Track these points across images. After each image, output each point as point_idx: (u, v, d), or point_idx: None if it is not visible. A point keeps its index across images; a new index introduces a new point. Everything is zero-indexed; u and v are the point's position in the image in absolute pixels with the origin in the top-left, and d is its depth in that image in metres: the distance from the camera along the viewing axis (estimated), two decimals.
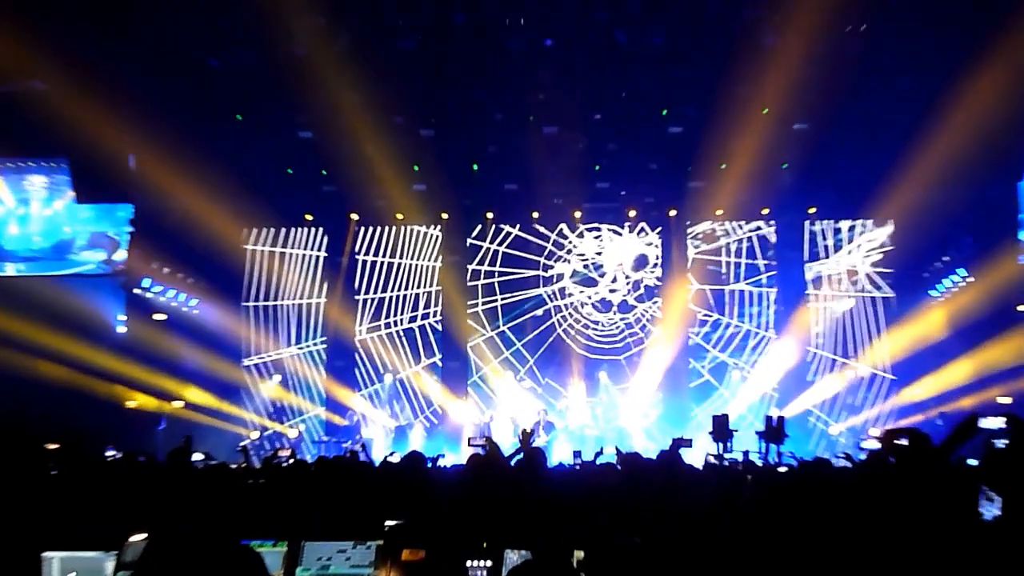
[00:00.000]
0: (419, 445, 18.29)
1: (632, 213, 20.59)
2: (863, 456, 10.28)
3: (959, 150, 15.17)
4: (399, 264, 20.95)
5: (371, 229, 20.96)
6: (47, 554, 4.78)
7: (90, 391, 16.84)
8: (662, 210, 20.46)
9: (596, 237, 21.01)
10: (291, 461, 10.68)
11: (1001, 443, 5.72)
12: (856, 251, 20.23)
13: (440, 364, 20.86)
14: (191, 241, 18.29)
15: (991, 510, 5.22)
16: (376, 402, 20.52)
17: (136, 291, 19.03)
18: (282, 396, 20.58)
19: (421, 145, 18.21)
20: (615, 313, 20.87)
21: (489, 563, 4.99)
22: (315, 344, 21.00)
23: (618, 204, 20.53)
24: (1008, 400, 16.44)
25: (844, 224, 20.29)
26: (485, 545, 5.06)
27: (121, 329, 19.10)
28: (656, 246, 20.79)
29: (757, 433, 11.71)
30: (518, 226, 20.83)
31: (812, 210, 20.04)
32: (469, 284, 20.89)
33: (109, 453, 11.55)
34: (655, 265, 20.81)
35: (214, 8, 15.40)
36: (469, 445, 12.74)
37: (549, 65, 16.32)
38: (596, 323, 20.89)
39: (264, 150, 18.06)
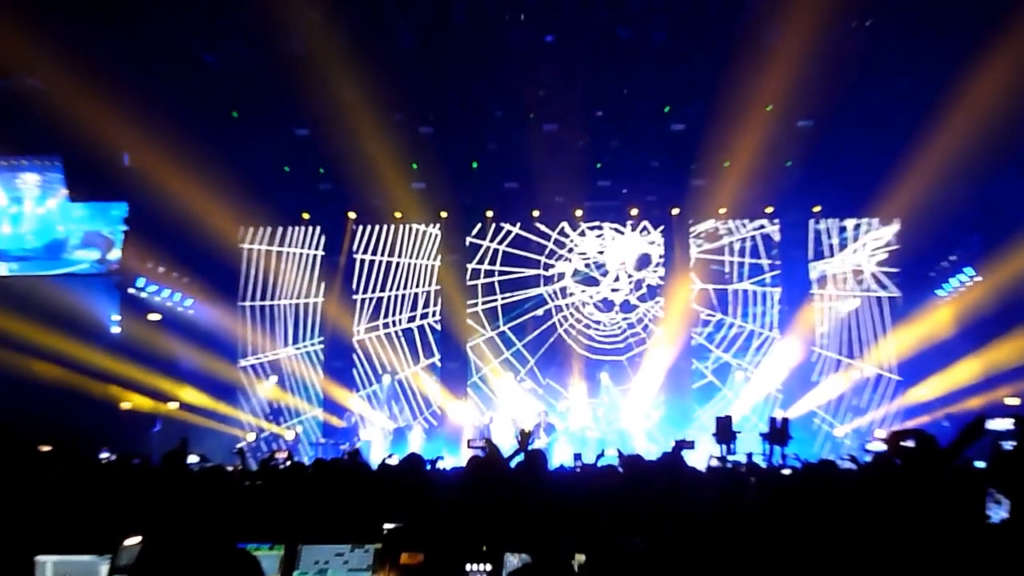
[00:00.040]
0: (418, 447, 18.28)
1: (634, 211, 20.58)
2: (868, 458, 10.29)
3: (966, 147, 15.17)
4: (397, 263, 20.95)
5: (369, 227, 20.96)
6: (40, 558, 4.77)
7: (84, 392, 16.87)
8: (664, 208, 20.46)
9: (598, 236, 21.00)
10: (288, 463, 10.67)
11: (1009, 445, 5.72)
12: (861, 250, 20.23)
13: (439, 365, 20.86)
14: (186, 240, 18.28)
15: (999, 513, 5.22)
16: (374, 403, 20.52)
17: (131, 291, 19.02)
18: (279, 397, 20.58)
19: (420, 142, 18.22)
20: (617, 313, 20.86)
21: (489, 567, 4.98)
22: (312, 344, 21.00)
23: (620, 202, 20.53)
24: (1016, 401, 16.45)
25: (849, 223, 20.29)
26: (485, 548, 5.06)
27: (115, 329, 19.10)
28: (658, 245, 20.79)
29: (761, 435, 11.72)
30: (518, 224, 20.82)
31: (817, 208, 20.04)
32: (469, 283, 20.89)
33: (103, 455, 11.56)
34: (657, 264, 20.80)
35: (210, 4, 15.42)
36: (469, 447, 12.75)
37: (550, 61, 16.32)
38: (598, 323, 20.88)
39: (260, 148, 18.05)
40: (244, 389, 20.37)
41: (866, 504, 4.91)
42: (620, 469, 8.63)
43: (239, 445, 15.06)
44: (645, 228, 20.83)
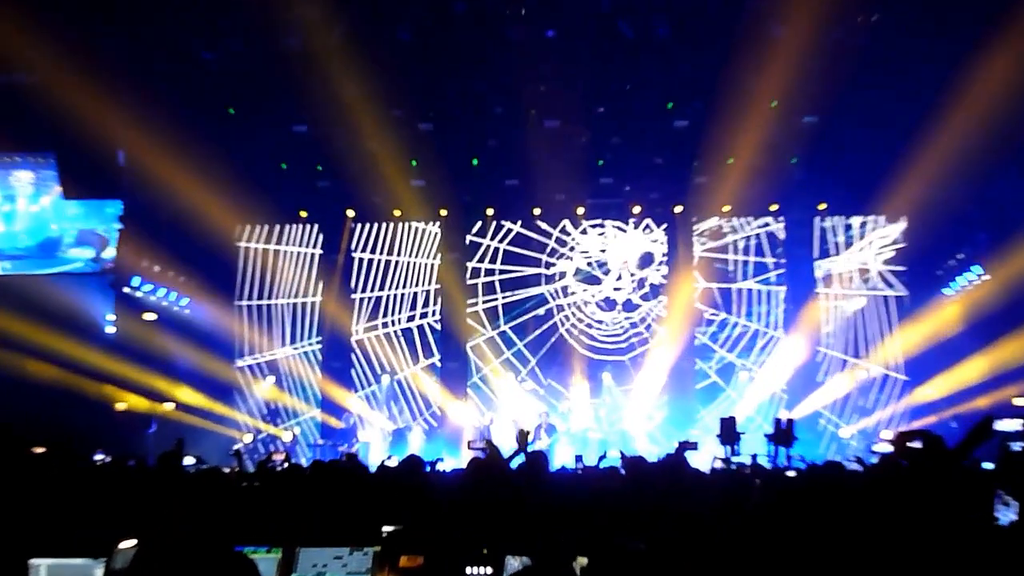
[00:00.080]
0: (418, 448, 18.28)
1: (637, 209, 20.58)
2: (875, 460, 10.29)
3: (973, 144, 15.16)
4: (397, 262, 20.95)
5: (368, 226, 20.96)
6: (34, 561, 4.77)
7: (78, 393, 16.86)
8: (667, 206, 20.46)
9: (600, 234, 21.00)
10: (286, 465, 10.67)
11: (1017, 446, 5.73)
12: (868, 248, 20.22)
13: (439, 365, 20.87)
14: (182, 238, 18.31)
15: (1007, 515, 5.21)
16: (373, 404, 20.52)
17: (126, 290, 19.02)
18: (276, 398, 20.59)
19: (419, 139, 18.20)
20: (619, 312, 20.85)
21: (489, 570, 4.99)
22: (310, 344, 21.00)
23: (622, 200, 20.53)
24: None
25: (855, 220, 20.28)
26: (485, 551, 5.06)
27: (110, 329, 19.10)
28: (661, 243, 20.78)
29: (766, 436, 11.70)
30: (519, 222, 20.82)
31: (822, 206, 20.04)
32: (469, 282, 20.89)
33: (98, 457, 11.56)
34: (660, 263, 20.80)
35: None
36: (469, 448, 12.77)
37: (551, 57, 16.31)
38: (600, 322, 20.88)
39: (258, 145, 18.06)
40: (241, 390, 20.38)
41: (872, 506, 4.91)
42: (622, 471, 8.64)
43: (236, 446, 15.04)
44: (648, 226, 20.83)
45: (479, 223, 20.82)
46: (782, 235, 20.44)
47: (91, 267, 19.29)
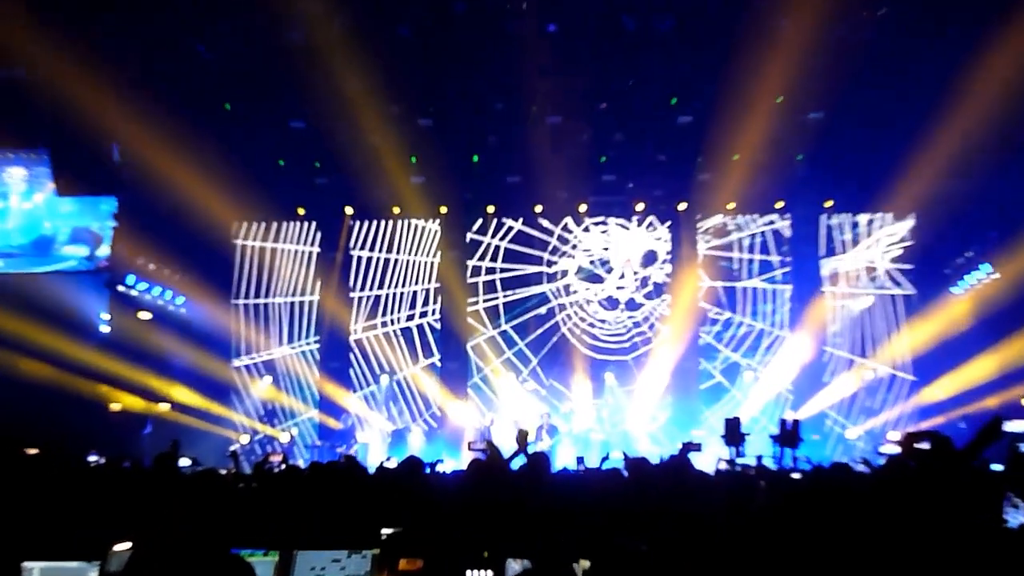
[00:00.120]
0: (417, 450, 18.29)
1: (640, 207, 20.58)
2: (882, 461, 10.28)
3: (982, 139, 15.14)
4: (396, 260, 20.95)
5: (367, 223, 20.97)
6: (27, 564, 4.77)
7: (72, 393, 16.86)
8: (671, 203, 20.47)
9: (602, 232, 21.00)
10: (283, 466, 10.68)
11: None
12: (875, 246, 20.22)
13: (439, 365, 20.87)
14: (178, 236, 18.31)
15: (1017, 517, 5.22)
16: (372, 404, 20.52)
17: (120, 288, 19.03)
18: (274, 398, 20.60)
19: (419, 135, 18.21)
20: (622, 311, 20.85)
21: (490, 573, 4.99)
22: (308, 343, 21.01)
23: (625, 197, 20.53)
24: None
25: (862, 218, 20.28)
26: (486, 554, 5.06)
27: (104, 328, 19.10)
28: (665, 241, 20.78)
29: (771, 437, 11.70)
30: (520, 220, 20.82)
31: (828, 203, 20.04)
32: (469, 281, 20.90)
33: (92, 458, 11.56)
34: (664, 261, 20.80)
35: None
36: (469, 449, 12.77)
37: (552, 52, 16.27)
38: (602, 322, 20.88)
39: (254, 141, 18.06)
40: (238, 390, 20.41)
41: (879, 508, 4.91)
42: (625, 473, 8.64)
43: (232, 447, 15.06)
44: (651, 224, 20.83)
45: (480, 220, 20.83)
46: (788, 233, 20.43)
47: (85, 265, 19.27)
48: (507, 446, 9.09)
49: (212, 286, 20.05)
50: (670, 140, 18.68)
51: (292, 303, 20.98)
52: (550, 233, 20.89)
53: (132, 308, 19.14)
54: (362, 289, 20.89)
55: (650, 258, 20.87)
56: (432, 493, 7.54)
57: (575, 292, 21.01)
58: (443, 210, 20.62)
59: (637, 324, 20.75)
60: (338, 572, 4.99)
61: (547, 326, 20.92)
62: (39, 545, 4.89)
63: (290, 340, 20.93)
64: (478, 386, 20.77)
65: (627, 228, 20.92)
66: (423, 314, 20.92)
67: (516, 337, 20.88)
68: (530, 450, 8.96)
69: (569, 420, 19.62)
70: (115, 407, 18.15)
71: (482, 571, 5.00)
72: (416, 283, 20.96)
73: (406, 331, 20.88)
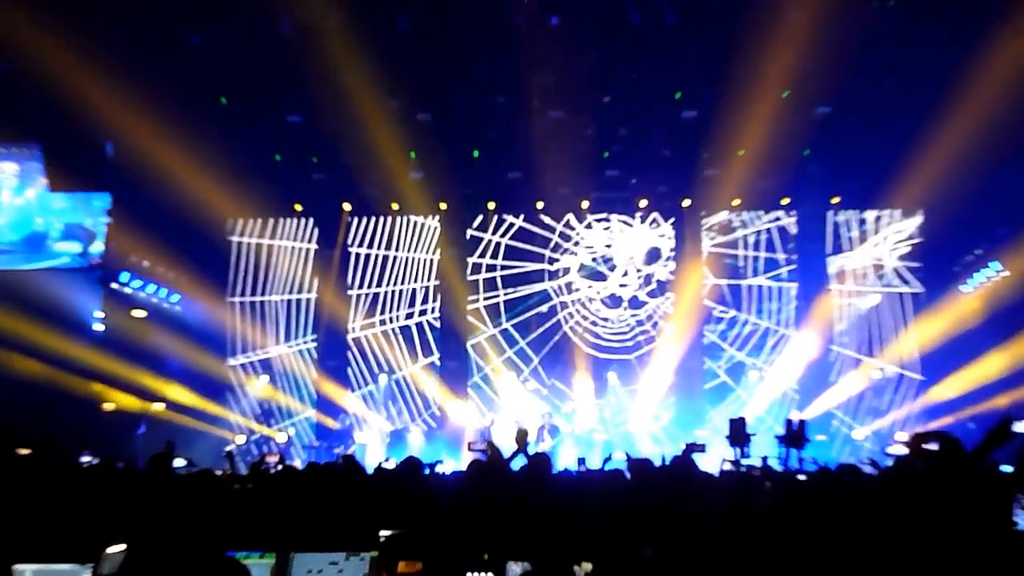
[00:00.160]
0: (417, 450, 18.29)
1: (643, 203, 20.58)
2: (889, 462, 10.28)
3: (992, 134, 15.12)
4: (395, 257, 20.95)
5: (365, 220, 20.97)
6: (18, 567, 4.77)
7: (65, 392, 16.87)
8: (675, 200, 20.46)
9: (605, 228, 20.99)
10: (279, 467, 10.69)
11: None
12: (882, 243, 20.21)
13: (439, 363, 20.88)
14: (173, 232, 18.32)
15: None
16: (371, 404, 20.53)
17: (114, 286, 19.03)
18: (270, 397, 20.61)
19: (418, 130, 18.17)
20: (625, 309, 20.85)
21: (491, 575, 4.99)
22: (305, 342, 21.02)
23: (628, 193, 20.53)
24: None
25: (870, 214, 20.27)
26: (486, 556, 5.06)
27: (98, 326, 19.10)
28: (669, 238, 20.78)
29: (776, 437, 11.70)
30: (522, 216, 20.82)
31: (835, 199, 20.04)
32: (469, 278, 20.90)
33: (85, 459, 11.57)
34: (668, 258, 20.80)
35: None
36: (469, 450, 12.78)
37: (555, 44, 16.25)
38: (605, 320, 20.88)
39: (251, 135, 18.04)
40: (234, 389, 20.41)
41: (887, 510, 4.91)
42: (628, 474, 8.64)
43: (228, 448, 15.09)
44: (655, 220, 20.82)
45: (480, 217, 20.83)
46: (794, 229, 20.43)
47: (78, 262, 19.27)
48: (508, 446, 9.09)
49: (207, 283, 20.05)
50: (674, 135, 18.67)
51: (289, 301, 20.99)
52: (552, 230, 20.88)
53: (126, 306, 19.15)
54: (360, 287, 20.89)
55: (653, 255, 20.87)
56: (431, 494, 7.54)
57: (577, 290, 21.01)
58: (443, 206, 20.62)
59: (640, 323, 20.75)
60: (336, 575, 4.99)
61: (549, 324, 20.92)
62: (31, 547, 4.89)
63: (287, 338, 20.94)
64: (478, 385, 20.78)
65: (630, 225, 20.92)
66: (422, 312, 20.92)
67: (517, 336, 20.88)
68: (531, 451, 8.97)
69: (571, 420, 19.61)
70: (108, 407, 18.16)
71: (482, 573, 5.00)
72: (415, 280, 20.96)
73: (405, 329, 20.88)
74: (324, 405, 20.52)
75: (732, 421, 12.09)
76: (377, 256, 20.91)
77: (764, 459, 11.38)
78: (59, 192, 19.26)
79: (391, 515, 6.02)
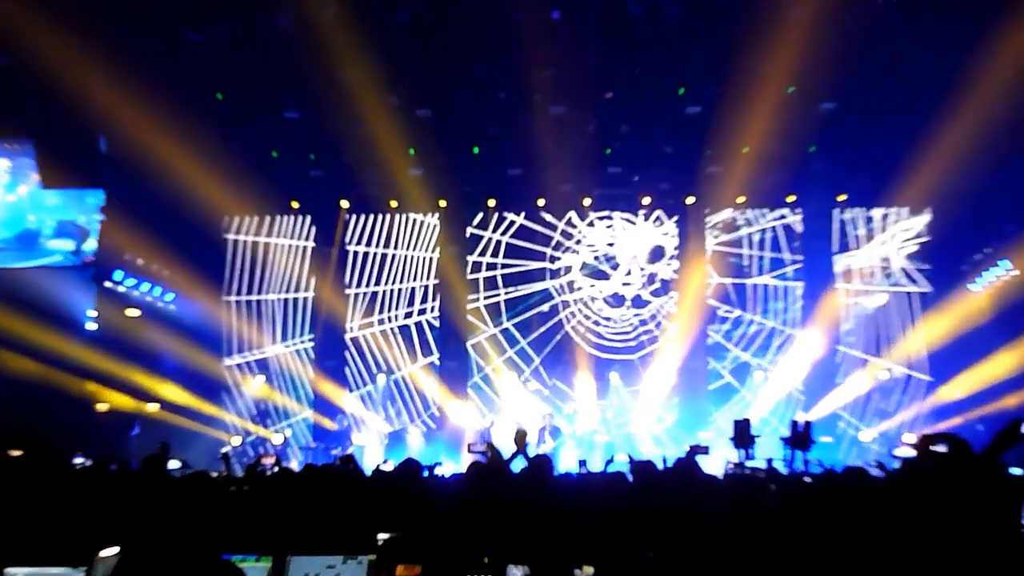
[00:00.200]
0: (416, 451, 18.31)
1: (646, 200, 20.58)
2: (897, 464, 10.28)
3: (1002, 131, 15.12)
4: (393, 255, 20.94)
5: (363, 217, 20.96)
6: (10, 571, 4.77)
7: (57, 392, 16.85)
8: (679, 197, 20.46)
9: (608, 226, 20.99)
10: (276, 469, 10.69)
11: None
12: (890, 242, 20.20)
13: (438, 363, 20.87)
14: (167, 230, 18.30)
15: None
16: (369, 405, 20.52)
17: (108, 284, 19.03)
18: (267, 398, 20.60)
19: (417, 126, 18.16)
20: (628, 309, 20.85)
21: None
22: (303, 341, 21.02)
23: (631, 191, 20.53)
24: None
25: (877, 212, 20.26)
26: (486, 560, 5.06)
27: (91, 325, 19.09)
28: (672, 236, 20.78)
29: (782, 439, 11.70)
30: (523, 214, 20.82)
31: (842, 197, 20.03)
32: (469, 277, 20.90)
33: (78, 460, 11.57)
34: (671, 257, 20.79)
35: None
36: (469, 452, 12.76)
37: (556, 39, 16.24)
38: (607, 320, 20.87)
39: (247, 132, 18.05)
40: (230, 389, 20.39)
41: (894, 513, 4.91)
42: (630, 476, 8.64)
43: (224, 449, 15.06)
44: (658, 218, 20.82)
45: (480, 215, 20.83)
46: (799, 228, 20.42)
47: (71, 260, 19.26)
48: (508, 448, 9.09)
49: (203, 282, 20.02)
50: (677, 131, 18.65)
51: (286, 300, 20.98)
52: (553, 228, 20.88)
53: (120, 304, 19.15)
54: (358, 285, 20.89)
55: (657, 254, 20.87)
56: (430, 497, 7.54)
57: (579, 289, 21.00)
58: (442, 203, 20.62)
59: (643, 322, 20.74)
60: None
61: (550, 324, 20.92)
62: (23, 551, 4.89)
63: (284, 338, 20.93)
64: (478, 386, 20.77)
65: (633, 223, 20.92)
66: (422, 311, 20.92)
67: (518, 335, 20.88)
68: (532, 452, 8.96)
69: (573, 421, 19.62)
70: (102, 407, 18.15)
71: None
72: (414, 279, 20.95)
73: (404, 329, 20.88)
74: (321, 406, 20.51)
75: (736, 422, 12.09)
76: (375, 254, 20.90)
77: (769, 461, 11.39)
78: (52, 189, 19.25)
79: (389, 518, 6.01)
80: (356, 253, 20.90)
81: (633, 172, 20.07)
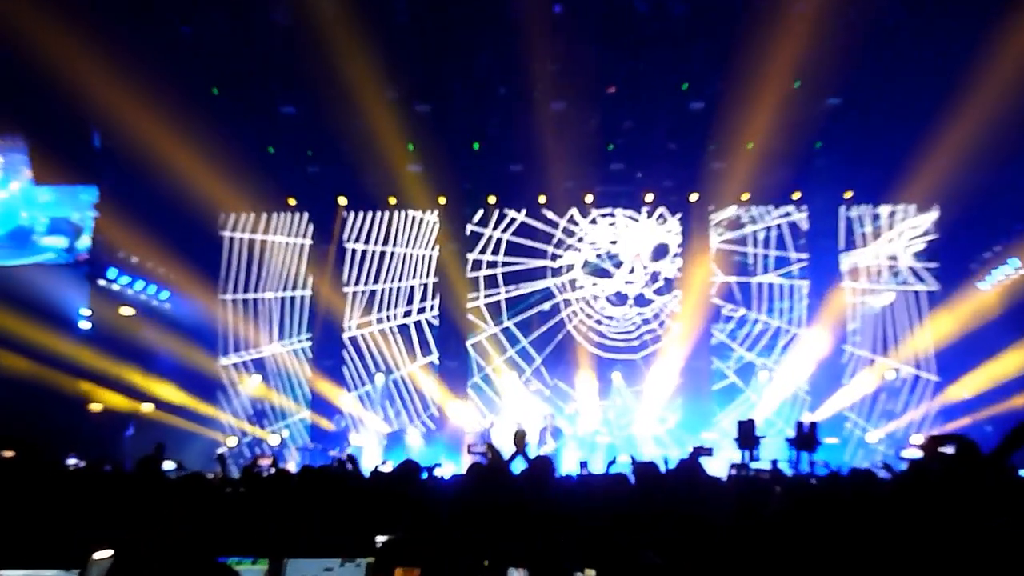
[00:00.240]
0: (415, 452, 18.30)
1: (649, 197, 20.56)
2: (904, 466, 10.28)
3: (1011, 127, 15.10)
4: (392, 253, 20.94)
5: (361, 214, 20.96)
6: (3, 573, 4.77)
7: (50, 392, 16.82)
8: (682, 194, 20.45)
9: (610, 224, 20.98)
10: (272, 470, 10.68)
11: None
12: (897, 239, 20.19)
13: (438, 363, 20.88)
14: (162, 227, 18.27)
15: None
16: (367, 405, 20.52)
17: (101, 282, 19.02)
18: (264, 398, 20.60)
19: (417, 121, 18.17)
20: (631, 307, 20.84)
21: None
22: (300, 340, 21.02)
23: (634, 187, 20.52)
24: None
25: (883, 209, 20.24)
26: (486, 563, 5.06)
27: (85, 324, 19.09)
28: (676, 234, 20.76)
29: (787, 440, 11.70)
30: (524, 211, 20.81)
31: (848, 194, 20.02)
32: (469, 275, 20.90)
33: (71, 461, 11.58)
34: (675, 255, 20.78)
35: None
36: (469, 453, 12.76)
37: (558, 33, 16.24)
38: (610, 319, 20.87)
39: (243, 127, 18.03)
40: (226, 389, 20.40)
41: (901, 515, 4.90)
42: (632, 478, 8.64)
43: (219, 450, 15.11)
44: (661, 215, 20.81)
45: (480, 212, 20.82)
46: (805, 225, 20.41)
47: (64, 257, 19.24)
48: (509, 449, 9.09)
49: (198, 280, 20.03)
50: (681, 127, 18.66)
51: (283, 298, 20.98)
52: (555, 225, 20.87)
53: (114, 303, 19.14)
54: (357, 283, 20.89)
55: (660, 252, 20.86)
56: (430, 499, 7.54)
57: (581, 287, 21.00)
58: (442, 200, 20.62)
59: (646, 321, 20.74)
60: None
61: (551, 323, 20.91)
62: (15, 553, 4.89)
63: (281, 337, 20.93)
64: (479, 386, 20.77)
65: (636, 220, 20.91)
66: (421, 310, 20.92)
67: (519, 334, 20.88)
68: (532, 453, 8.96)
69: (574, 422, 19.63)
70: (96, 407, 18.15)
71: None
72: (413, 277, 20.95)
73: (403, 328, 20.88)
74: (319, 406, 20.52)
75: (741, 423, 12.09)
76: (374, 252, 20.90)
77: (774, 463, 11.38)
78: (44, 185, 19.21)
79: (388, 520, 6.01)
80: (354, 251, 20.90)
81: (636, 168, 20.07)
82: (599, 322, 20.85)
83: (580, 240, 20.95)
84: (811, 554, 4.74)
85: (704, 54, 16.78)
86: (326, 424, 20.12)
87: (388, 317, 20.86)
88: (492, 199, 20.62)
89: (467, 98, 18.16)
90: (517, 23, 15.99)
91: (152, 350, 19.16)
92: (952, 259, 19.62)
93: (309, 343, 20.99)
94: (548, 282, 20.96)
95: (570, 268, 20.98)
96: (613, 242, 20.96)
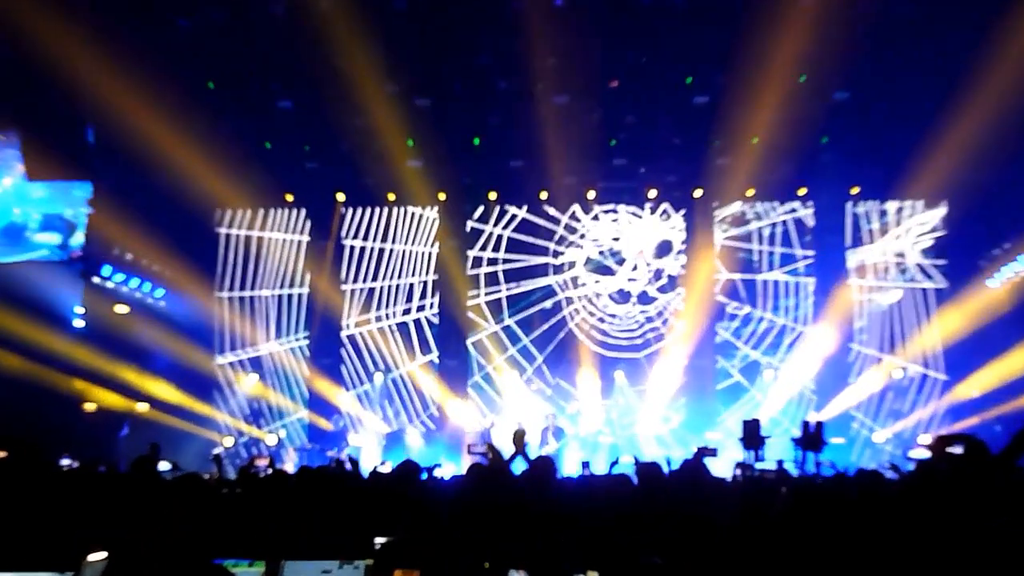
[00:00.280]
0: (414, 453, 18.31)
1: (653, 193, 20.55)
2: (911, 466, 10.28)
3: (1021, 122, 15.09)
4: (391, 250, 20.95)
5: (360, 210, 20.96)
6: None
7: (43, 392, 16.82)
8: (686, 190, 20.43)
9: (613, 220, 20.98)
10: (270, 471, 10.69)
11: None
12: (904, 236, 20.18)
13: (438, 362, 20.88)
14: (157, 224, 18.26)
15: None
16: (366, 404, 20.53)
17: (96, 279, 19.02)
18: (261, 397, 20.60)
19: (416, 116, 18.15)
20: (634, 305, 20.84)
21: None
22: (298, 339, 21.02)
23: (637, 183, 20.50)
24: None
25: (891, 206, 20.23)
26: (487, 565, 5.06)
27: (78, 322, 19.09)
28: (680, 230, 20.76)
29: (792, 440, 11.72)
30: (525, 207, 20.81)
31: (855, 190, 20.00)
32: (470, 272, 20.90)
33: (65, 461, 11.59)
34: (679, 252, 20.78)
35: None
36: (469, 453, 12.78)
37: (560, 26, 16.22)
38: (612, 316, 20.87)
39: (239, 122, 18.03)
40: (222, 388, 20.41)
41: (908, 517, 4.90)
42: (635, 479, 8.64)
43: (216, 451, 15.13)
44: (665, 212, 20.81)
45: (481, 208, 20.82)
46: (811, 222, 20.40)
47: (58, 254, 19.25)
48: (509, 449, 9.09)
49: (194, 277, 20.02)
50: (685, 122, 18.64)
51: (280, 296, 20.99)
52: (556, 221, 20.87)
53: (109, 300, 19.14)
54: (355, 281, 20.89)
55: (664, 248, 20.86)
56: (429, 500, 7.54)
57: (583, 285, 21.00)
58: (442, 196, 20.61)
59: (650, 319, 20.74)
60: None
61: (553, 321, 20.92)
62: (8, 555, 4.89)
63: (278, 335, 20.94)
64: (479, 385, 20.78)
65: (639, 216, 20.91)
66: (420, 308, 20.93)
67: (520, 333, 20.88)
68: (533, 453, 8.96)
69: (576, 422, 19.63)
70: (90, 406, 18.15)
71: None
72: (413, 275, 20.96)
73: (402, 326, 20.88)
74: (317, 405, 20.53)
75: (746, 423, 12.12)
76: (373, 249, 20.90)
77: (779, 463, 11.42)
78: (38, 181, 19.21)
79: (387, 521, 6.01)
80: (352, 248, 20.90)
81: (639, 164, 20.05)
82: (601, 320, 20.85)
83: (582, 237, 20.94)
84: (817, 557, 4.74)
85: (708, 47, 16.74)
86: (324, 424, 20.13)
87: (387, 315, 20.87)
88: (493, 195, 20.62)
89: (467, 92, 18.16)
90: (518, 15, 15.99)
91: (147, 348, 19.16)
92: (961, 256, 19.60)
93: (307, 341, 21.00)
94: (550, 279, 20.96)
95: (572, 265, 20.98)
96: (616, 239, 20.96)
